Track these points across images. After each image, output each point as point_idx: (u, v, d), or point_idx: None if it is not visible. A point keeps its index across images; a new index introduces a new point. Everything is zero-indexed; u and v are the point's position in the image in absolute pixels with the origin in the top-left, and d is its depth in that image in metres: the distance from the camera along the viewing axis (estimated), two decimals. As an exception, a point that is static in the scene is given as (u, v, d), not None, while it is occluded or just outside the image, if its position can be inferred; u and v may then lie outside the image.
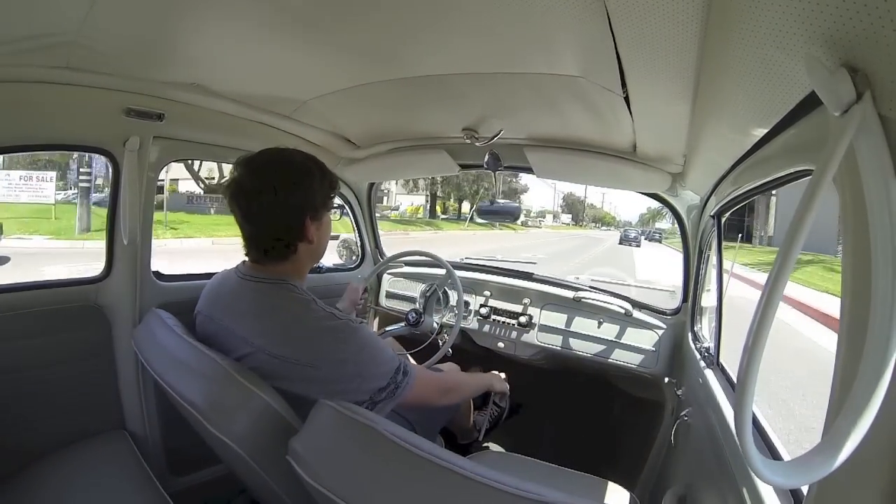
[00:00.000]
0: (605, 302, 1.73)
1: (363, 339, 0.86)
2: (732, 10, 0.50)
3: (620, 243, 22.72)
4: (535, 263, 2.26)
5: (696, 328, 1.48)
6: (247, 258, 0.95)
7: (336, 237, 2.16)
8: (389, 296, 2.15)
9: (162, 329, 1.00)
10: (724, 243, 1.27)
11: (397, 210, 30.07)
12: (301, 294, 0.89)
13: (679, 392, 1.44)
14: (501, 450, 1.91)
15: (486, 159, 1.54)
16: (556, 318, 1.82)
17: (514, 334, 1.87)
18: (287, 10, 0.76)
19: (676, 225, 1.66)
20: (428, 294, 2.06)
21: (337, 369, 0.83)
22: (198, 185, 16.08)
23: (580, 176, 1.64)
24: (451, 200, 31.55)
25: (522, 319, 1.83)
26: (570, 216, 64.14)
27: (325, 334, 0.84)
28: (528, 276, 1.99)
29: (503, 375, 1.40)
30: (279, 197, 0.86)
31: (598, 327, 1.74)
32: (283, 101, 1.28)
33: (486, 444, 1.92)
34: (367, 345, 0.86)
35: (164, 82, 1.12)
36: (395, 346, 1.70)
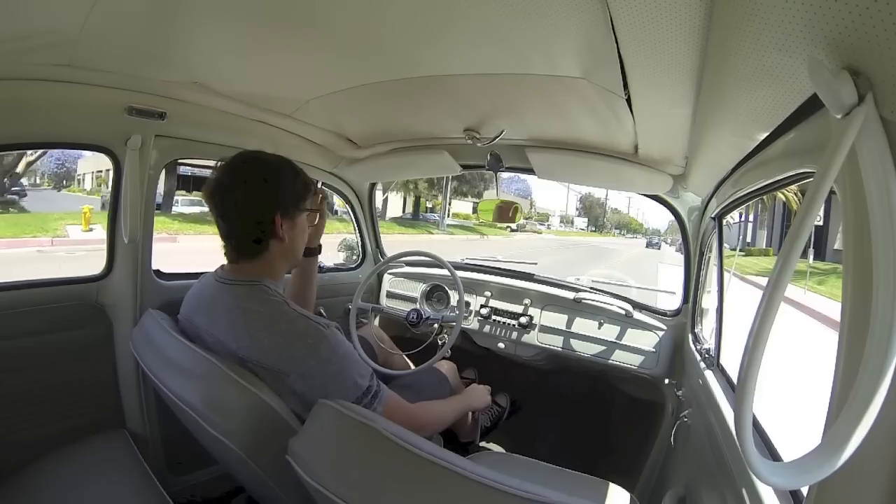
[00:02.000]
0: (605, 303, 1.73)
1: (332, 348, 0.85)
2: (735, 13, 0.50)
3: (647, 247, 29.91)
4: (535, 264, 2.25)
5: (696, 329, 1.48)
6: (225, 261, 0.97)
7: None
8: (390, 296, 2.15)
9: (158, 331, 1.00)
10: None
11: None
12: (273, 295, 0.90)
13: (679, 393, 1.44)
14: (501, 450, 1.91)
15: (487, 160, 1.54)
16: (557, 319, 1.82)
17: (514, 335, 1.87)
18: (289, 10, 0.76)
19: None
20: (428, 294, 2.07)
21: (304, 380, 0.83)
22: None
23: (582, 177, 1.64)
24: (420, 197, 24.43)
25: (523, 320, 1.83)
26: (585, 220, 57.16)
27: (294, 339, 0.84)
28: (528, 277, 1.99)
29: (485, 388, 1.38)
30: (249, 191, 0.89)
31: (599, 328, 1.74)
32: (284, 100, 1.29)
33: (485, 444, 1.93)
34: (335, 355, 0.85)
35: (166, 81, 1.12)
36: (388, 344, 1.69)
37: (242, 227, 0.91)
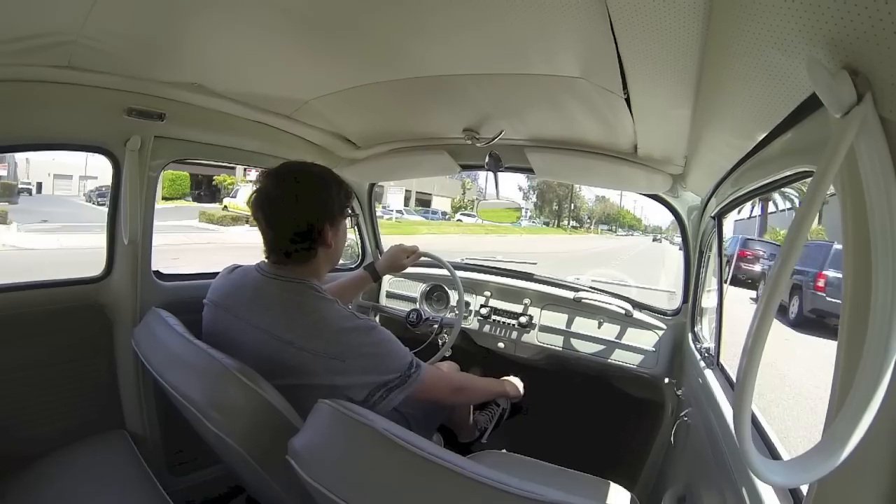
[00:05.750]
0: (605, 302, 1.74)
1: (381, 334, 0.95)
2: (734, 13, 0.50)
3: (653, 241, 31.76)
4: (535, 263, 2.25)
5: (696, 329, 1.49)
6: (266, 259, 1.01)
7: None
8: (390, 296, 2.15)
9: (162, 328, 1.00)
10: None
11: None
12: (324, 295, 0.96)
13: (679, 392, 1.45)
14: (502, 450, 1.91)
15: (486, 160, 1.54)
16: (557, 319, 1.82)
17: (514, 334, 1.87)
18: (289, 11, 0.76)
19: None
20: (428, 294, 2.07)
21: (360, 361, 0.90)
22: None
23: (581, 177, 1.64)
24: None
25: (523, 320, 1.83)
26: (534, 210, 41.41)
27: (350, 331, 0.92)
28: (528, 277, 1.99)
29: (519, 381, 1.41)
30: (300, 204, 0.95)
31: (599, 328, 1.74)
32: (284, 101, 1.29)
33: (485, 444, 1.93)
34: (384, 339, 0.95)
35: (166, 82, 1.12)
36: None
37: (293, 238, 0.96)
